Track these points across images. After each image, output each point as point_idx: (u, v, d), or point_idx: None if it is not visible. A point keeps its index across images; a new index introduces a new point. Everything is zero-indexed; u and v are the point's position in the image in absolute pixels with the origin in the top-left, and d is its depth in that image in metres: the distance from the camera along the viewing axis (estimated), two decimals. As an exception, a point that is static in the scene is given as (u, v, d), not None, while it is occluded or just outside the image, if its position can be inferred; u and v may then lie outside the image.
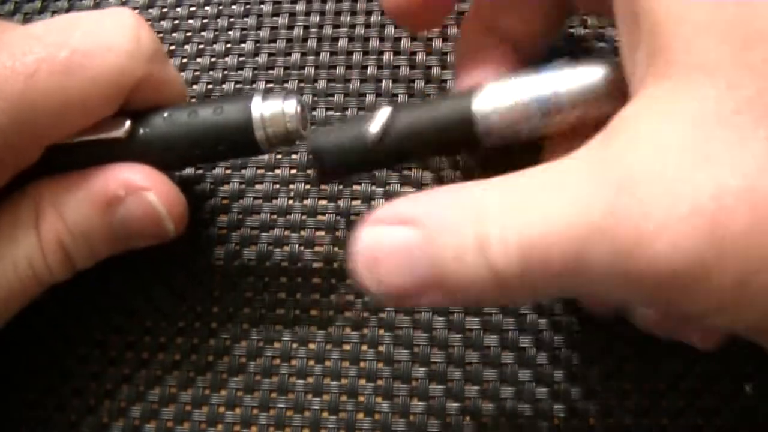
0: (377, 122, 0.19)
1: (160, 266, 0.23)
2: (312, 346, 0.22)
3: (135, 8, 0.26)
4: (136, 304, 0.22)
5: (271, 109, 0.19)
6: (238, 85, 0.25)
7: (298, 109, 0.19)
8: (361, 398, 0.21)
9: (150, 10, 0.26)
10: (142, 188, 0.19)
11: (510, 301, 0.20)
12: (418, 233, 0.15)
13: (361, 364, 0.21)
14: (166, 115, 0.19)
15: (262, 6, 0.26)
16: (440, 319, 0.21)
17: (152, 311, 0.22)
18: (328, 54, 0.25)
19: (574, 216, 0.14)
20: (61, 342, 0.22)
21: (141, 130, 0.19)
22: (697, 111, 0.14)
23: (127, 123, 0.19)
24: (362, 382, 0.21)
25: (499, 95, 0.18)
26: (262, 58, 0.25)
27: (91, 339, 0.22)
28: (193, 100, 0.25)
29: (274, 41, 0.25)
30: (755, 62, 0.14)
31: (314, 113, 0.24)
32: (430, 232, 0.15)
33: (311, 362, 0.21)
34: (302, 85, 0.25)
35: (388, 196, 0.23)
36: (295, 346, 0.22)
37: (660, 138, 0.14)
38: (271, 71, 0.25)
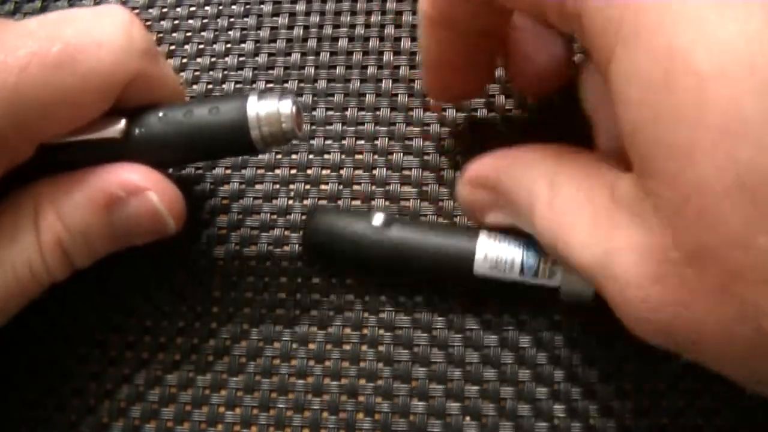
0: (377, 220, 0.21)
1: (160, 266, 0.23)
2: (312, 346, 0.22)
3: (135, 8, 0.26)
4: (136, 303, 0.22)
5: (266, 108, 0.19)
6: (238, 85, 0.25)
7: (294, 109, 0.19)
8: (361, 398, 0.21)
9: (150, 10, 0.26)
10: (141, 188, 0.19)
11: None
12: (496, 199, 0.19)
13: (361, 364, 0.21)
14: (161, 114, 0.19)
15: (262, 6, 0.26)
16: (440, 319, 0.21)
17: (152, 311, 0.22)
18: (328, 54, 0.25)
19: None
20: (61, 342, 0.22)
21: (137, 130, 0.19)
22: None
23: (123, 122, 0.19)
24: (362, 382, 0.21)
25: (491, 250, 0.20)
26: (262, 58, 0.25)
27: (91, 339, 0.22)
28: (193, 98, 0.25)
29: (274, 41, 0.25)
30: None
31: (314, 113, 0.24)
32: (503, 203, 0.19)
33: (311, 362, 0.21)
34: (302, 85, 0.25)
35: (389, 196, 0.23)
36: (295, 346, 0.22)
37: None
38: (271, 71, 0.25)
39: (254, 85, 0.25)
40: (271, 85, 0.25)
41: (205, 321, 0.22)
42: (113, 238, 0.20)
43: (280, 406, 0.21)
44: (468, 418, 0.20)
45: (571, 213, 0.17)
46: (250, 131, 0.19)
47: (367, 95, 0.24)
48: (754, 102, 0.13)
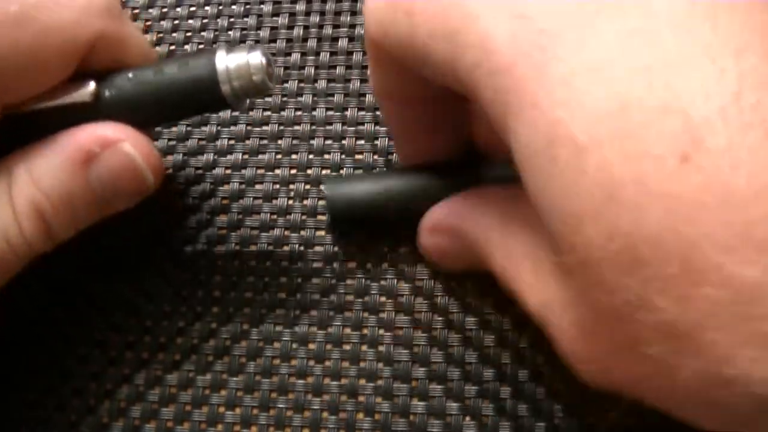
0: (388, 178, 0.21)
1: (160, 266, 0.23)
2: (312, 346, 0.22)
3: (135, 8, 0.26)
4: (136, 303, 0.22)
5: (235, 61, 0.19)
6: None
7: (264, 60, 0.19)
8: (361, 398, 0.21)
9: (150, 10, 0.26)
10: (115, 140, 0.18)
11: None
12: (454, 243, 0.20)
13: (361, 364, 0.21)
14: (131, 75, 0.19)
15: (262, 6, 0.26)
16: (440, 319, 0.21)
17: (152, 311, 0.22)
18: (328, 54, 0.25)
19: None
20: (61, 342, 0.22)
21: (107, 92, 0.19)
22: None
23: (92, 85, 0.19)
24: (362, 382, 0.21)
25: None
26: (270, 53, 0.25)
27: (91, 339, 0.22)
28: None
29: (274, 41, 0.25)
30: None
31: (314, 113, 0.24)
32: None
33: (311, 362, 0.21)
34: (302, 85, 0.25)
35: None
36: (295, 346, 0.22)
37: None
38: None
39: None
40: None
41: (205, 321, 0.22)
42: (93, 201, 0.19)
43: (280, 406, 0.21)
44: (468, 418, 0.20)
45: (519, 262, 0.17)
46: (221, 85, 0.19)
47: (367, 95, 0.24)
48: (625, 167, 0.13)
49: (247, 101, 0.21)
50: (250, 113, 0.24)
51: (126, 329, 0.22)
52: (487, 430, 0.20)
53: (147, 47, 0.21)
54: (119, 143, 0.19)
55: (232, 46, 0.24)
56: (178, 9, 0.26)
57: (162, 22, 0.26)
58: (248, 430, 0.21)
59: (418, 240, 0.21)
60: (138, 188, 0.19)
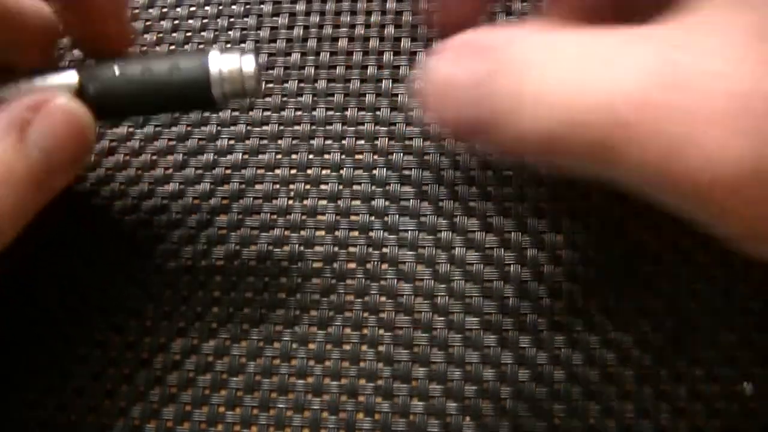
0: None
1: (160, 266, 0.23)
2: (312, 346, 0.22)
3: (135, 8, 0.26)
4: (136, 304, 0.22)
5: (228, 66, 0.18)
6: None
7: (255, 67, 0.18)
8: (361, 398, 0.21)
9: (150, 10, 0.26)
10: (45, 100, 0.17)
11: (555, 161, 0.17)
12: (486, 69, 0.15)
13: (361, 364, 0.21)
14: (117, 71, 0.18)
15: (262, 6, 0.26)
16: (440, 319, 0.21)
17: (152, 311, 0.22)
18: (328, 54, 0.25)
19: (630, 81, 0.13)
20: (61, 342, 0.22)
21: (91, 87, 0.18)
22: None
23: (75, 77, 0.18)
24: (362, 382, 0.21)
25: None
26: (262, 58, 0.25)
27: (91, 339, 0.22)
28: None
29: (274, 41, 0.25)
30: None
31: (314, 113, 0.24)
32: (497, 71, 0.15)
33: (311, 362, 0.21)
34: (302, 85, 0.25)
35: (388, 196, 0.23)
36: (295, 346, 0.22)
37: (727, 35, 0.14)
38: (271, 71, 0.25)
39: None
40: (270, 84, 0.25)
41: (206, 321, 0.22)
42: (34, 174, 0.17)
43: (280, 406, 0.21)
44: (468, 418, 0.20)
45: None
46: (212, 90, 0.18)
47: (367, 95, 0.24)
48: None
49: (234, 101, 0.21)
50: (250, 113, 0.24)
51: (126, 329, 0.22)
52: (487, 430, 0.20)
53: (50, 16, 0.20)
54: (49, 102, 0.17)
55: (222, 46, 0.24)
56: (178, 9, 0.26)
57: (162, 22, 0.26)
58: (248, 430, 0.21)
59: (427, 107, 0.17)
60: (78, 146, 0.18)
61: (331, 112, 0.24)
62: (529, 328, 0.21)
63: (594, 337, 0.21)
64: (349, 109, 0.24)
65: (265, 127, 0.24)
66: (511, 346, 0.21)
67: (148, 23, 0.26)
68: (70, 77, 0.18)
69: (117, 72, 0.19)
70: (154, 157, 0.24)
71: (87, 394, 0.22)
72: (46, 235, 0.23)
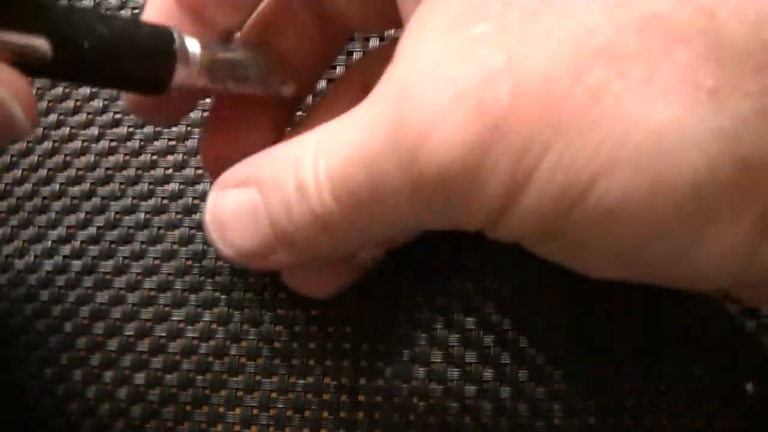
0: None
1: (159, 266, 0.23)
2: (312, 345, 0.22)
3: (135, 8, 0.26)
4: (136, 304, 0.22)
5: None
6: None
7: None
8: (361, 398, 0.21)
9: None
10: None
11: (355, 244, 0.18)
12: (256, 193, 0.15)
13: (362, 364, 0.21)
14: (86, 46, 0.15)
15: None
16: (440, 319, 0.21)
17: (152, 312, 0.22)
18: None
19: (366, 137, 0.14)
20: (61, 342, 0.22)
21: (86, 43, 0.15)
22: (460, 7, 0.14)
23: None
24: (362, 381, 0.21)
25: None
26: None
27: (91, 339, 0.22)
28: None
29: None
30: None
31: (314, 113, 0.24)
32: (265, 190, 0.15)
33: (311, 362, 0.21)
34: (302, 85, 0.24)
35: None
36: (295, 346, 0.22)
37: (428, 41, 0.14)
38: (270, 71, 0.25)
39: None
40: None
41: (206, 321, 0.22)
42: None
43: (280, 406, 0.21)
44: (468, 418, 0.20)
45: None
46: (176, 69, 0.16)
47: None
48: None
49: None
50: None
51: (126, 329, 0.22)
52: (487, 429, 0.20)
53: None
54: None
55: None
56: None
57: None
58: (248, 430, 0.21)
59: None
60: (4, 126, 0.15)
61: (330, 112, 0.24)
62: (528, 327, 0.21)
63: (593, 337, 0.21)
64: (348, 109, 0.24)
65: (264, 127, 0.24)
66: (511, 346, 0.21)
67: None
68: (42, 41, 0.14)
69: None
70: (154, 157, 0.24)
71: (86, 394, 0.22)
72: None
